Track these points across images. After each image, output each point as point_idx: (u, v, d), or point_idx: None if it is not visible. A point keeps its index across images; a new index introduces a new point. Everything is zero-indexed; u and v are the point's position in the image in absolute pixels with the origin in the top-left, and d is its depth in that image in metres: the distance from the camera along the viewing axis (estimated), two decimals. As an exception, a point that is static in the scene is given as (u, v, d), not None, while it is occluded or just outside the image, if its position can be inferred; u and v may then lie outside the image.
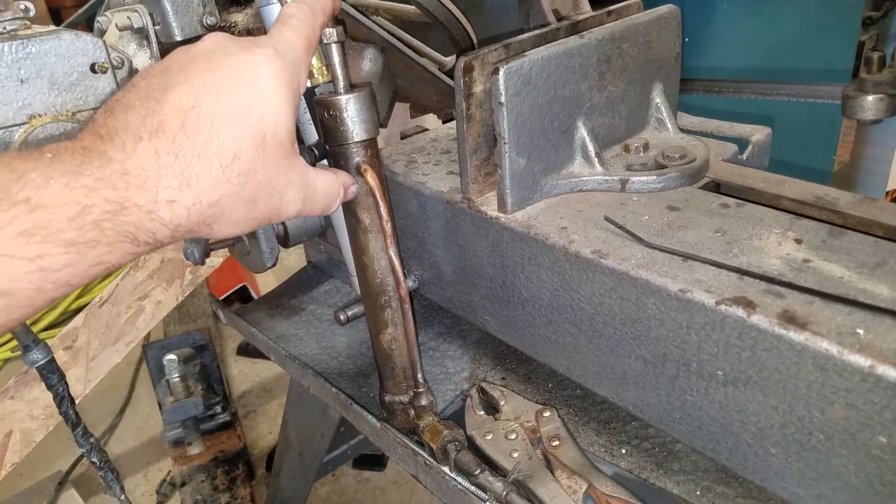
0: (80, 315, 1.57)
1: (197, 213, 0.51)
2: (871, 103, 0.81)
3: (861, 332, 0.55)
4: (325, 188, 0.64)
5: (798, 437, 0.60)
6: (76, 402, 1.35)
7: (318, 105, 0.69)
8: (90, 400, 1.73)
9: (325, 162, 0.76)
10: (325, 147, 0.73)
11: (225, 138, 0.51)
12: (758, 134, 0.95)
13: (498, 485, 0.71)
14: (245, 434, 2.34)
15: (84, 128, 0.51)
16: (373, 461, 2.21)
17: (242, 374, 2.79)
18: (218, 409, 2.24)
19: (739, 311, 0.59)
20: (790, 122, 1.81)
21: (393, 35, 0.92)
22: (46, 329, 2.88)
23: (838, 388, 0.55)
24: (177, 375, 2.06)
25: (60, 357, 1.53)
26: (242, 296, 2.81)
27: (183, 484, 2.09)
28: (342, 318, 0.94)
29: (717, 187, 0.83)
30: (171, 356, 2.06)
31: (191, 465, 2.11)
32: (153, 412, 2.48)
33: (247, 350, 2.86)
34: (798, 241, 0.68)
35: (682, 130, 0.92)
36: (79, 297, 2.95)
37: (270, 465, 2.15)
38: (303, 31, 0.60)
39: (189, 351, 2.21)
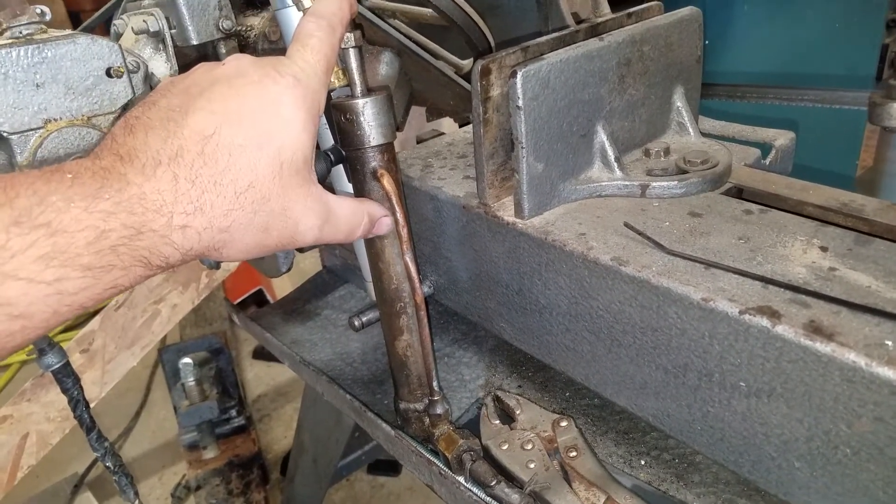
0: (97, 318, 1.58)
1: (208, 238, 0.51)
2: (898, 110, 0.79)
3: (890, 343, 0.53)
4: (346, 215, 0.63)
5: (824, 450, 0.58)
6: (92, 405, 1.35)
7: (335, 109, 0.69)
8: (106, 403, 1.74)
9: (340, 167, 0.75)
10: (342, 151, 0.72)
11: (242, 167, 0.52)
12: (781, 138, 0.94)
13: (514, 496, 0.70)
14: (260, 438, 2.34)
15: (103, 144, 0.51)
16: (388, 466, 2.20)
17: (258, 377, 2.80)
18: (233, 412, 2.24)
19: (764, 321, 0.57)
20: (813, 126, 1.79)
21: (409, 38, 0.92)
22: (63, 332, 2.90)
23: (866, 401, 0.53)
24: (192, 379, 2.07)
25: (76, 360, 1.54)
26: (258, 299, 2.82)
27: (198, 488, 2.09)
28: (356, 324, 0.94)
29: (739, 193, 0.82)
30: (187, 360, 2.07)
31: (206, 469, 2.12)
32: (169, 415, 2.49)
33: (262, 353, 2.86)
34: (824, 249, 0.66)
35: (704, 134, 0.90)
36: (96, 300, 2.97)
37: (285, 470, 2.15)
38: (322, 51, 0.60)
39: (205, 354, 2.22)
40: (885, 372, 0.51)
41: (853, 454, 0.56)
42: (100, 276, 0.46)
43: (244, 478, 2.11)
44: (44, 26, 0.68)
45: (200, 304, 1.95)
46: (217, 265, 0.92)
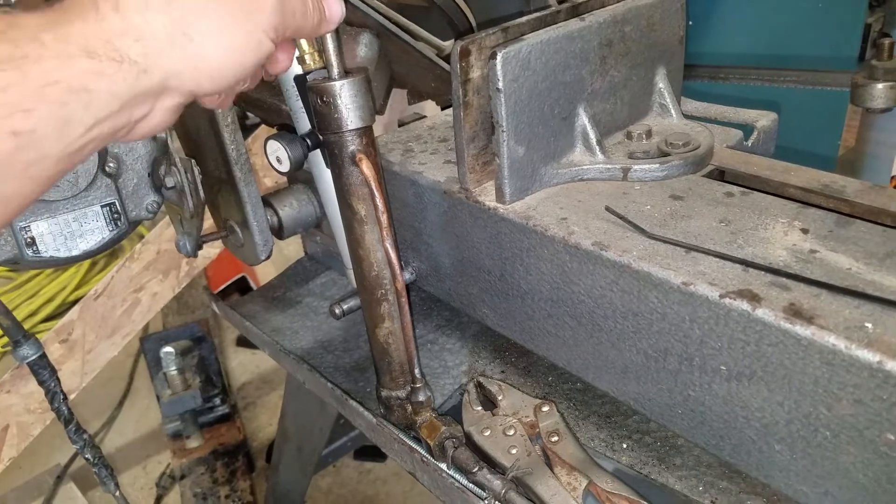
0: (76, 308, 1.56)
1: (155, 19, 0.46)
2: (880, 91, 0.79)
3: (869, 325, 0.53)
4: None
5: (804, 433, 0.58)
6: (73, 395, 1.33)
7: (312, 92, 0.67)
8: (88, 392, 1.72)
9: (318, 152, 0.74)
10: (318, 136, 0.71)
11: None
12: (763, 119, 0.93)
13: (496, 482, 0.70)
14: (245, 426, 2.33)
15: None
16: (374, 452, 2.20)
17: (242, 365, 2.78)
18: (217, 401, 2.23)
19: (744, 305, 0.57)
20: (795, 107, 1.78)
21: (389, 19, 0.90)
22: (43, 321, 2.87)
23: (846, 384, 0.53)
24: (174, 368, 2.05)
25: (56, 351, 1.52)
26: (242, 287, 2.79)
27: (182, 477, 2.08)
28: (338, 311, 0.93)
29: (721, 175, 0.81)
30: (168, 349, 2.04)
31: (190, 458, 2.10)
32: (152, 404, 2.47)
33: (246, 341, 2.84)
34: (804, 231, 0.66)
35: (686, 116, 0.90)
36: (75, 290, 2.93)
37: (271, 457, 2.14)
38: None
39: (187, 343, 2.20)
40: (865, 354, 0.51)
41: (833, 437, 0.56)
42: (22, 66, 0.41)
43: (229, 466, 2.10)
44: (7, 8, 0.66)
45: (183, 292, 1.93)
46: (194, 252, 0.91)
